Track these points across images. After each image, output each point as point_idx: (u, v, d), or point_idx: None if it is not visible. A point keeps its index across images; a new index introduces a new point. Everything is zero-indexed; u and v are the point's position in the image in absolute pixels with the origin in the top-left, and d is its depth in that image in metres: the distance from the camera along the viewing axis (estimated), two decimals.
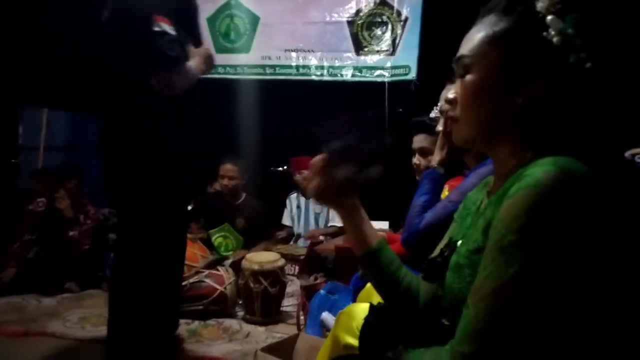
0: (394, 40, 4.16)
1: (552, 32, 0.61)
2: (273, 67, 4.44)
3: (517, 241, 0.56)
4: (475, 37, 0.69)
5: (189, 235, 3.35)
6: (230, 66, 4.53)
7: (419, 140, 1.67)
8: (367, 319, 0.88)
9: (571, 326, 0.57)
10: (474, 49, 0.69)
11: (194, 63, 1.76)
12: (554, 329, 0.57)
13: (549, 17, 0.61)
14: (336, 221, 3.69)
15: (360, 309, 1.04)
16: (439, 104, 1.55)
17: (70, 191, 3.27)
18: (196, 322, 2.50)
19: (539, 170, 0.57)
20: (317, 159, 0.85)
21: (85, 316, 2.63)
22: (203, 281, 2.62)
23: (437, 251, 0.84)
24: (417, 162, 1.68)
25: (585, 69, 0.61)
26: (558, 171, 0.56)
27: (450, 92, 0.74)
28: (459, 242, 0.76)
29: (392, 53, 4.16)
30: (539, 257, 0.55)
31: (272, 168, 4.43)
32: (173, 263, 1.91)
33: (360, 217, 0.90)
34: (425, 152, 1.64)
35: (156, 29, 1.54)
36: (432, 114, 1.57)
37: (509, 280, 0.56)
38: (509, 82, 0.66)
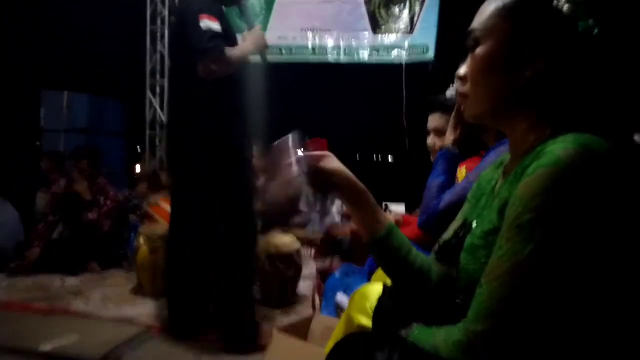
0: (412, 19, 4.07)
1: (562, 1, 0.60)
2: (289, 48, 4.40)
3: (534, 220, 0.55)
4: (486, 10, 0.69)
5: None
6: None
7: (434, 120, 1.62)
8: (381, 299, 0.87)
9: (587, 306, 0.56)
10: (484, 22, 0.68)
11: (240, 46, 2.03)
12: (569, 309, 0.55)
13: None
14: None
15: (374, 289, 1.04)
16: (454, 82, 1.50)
17: (82, 172, 3.33)
18: None
19: (559, 147, 0.56)
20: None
21: (107, 295, 2.70)
22: None
23: (450, 232, 0.82)
24: (432, 142, 1.64)
25: (593, 36, 0.60)
26: (578, 148, 0.54)
27: (461, 68, 0.73)
28: (474, 223, 0.74)
29: (410, 31, 4.08)
30: (556, 236, 0.54)
31: None
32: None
33: (365, 204, 0.87)
34: (440, 132, 1.59)
35: (201, 25, 1.82)
36: (448, 93, 1.53)
37: (525, 259, 0.55)
38: (517, 55, 0.65)
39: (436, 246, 0.85)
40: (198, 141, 1.96)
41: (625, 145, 0.58)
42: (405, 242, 0.88)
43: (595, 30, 0.60)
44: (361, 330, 1.03)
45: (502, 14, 0.66)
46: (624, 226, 0.55)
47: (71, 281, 2.96)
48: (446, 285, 0.80)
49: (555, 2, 0.61)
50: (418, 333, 0.70)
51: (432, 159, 1.61)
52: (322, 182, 0.87)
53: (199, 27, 1.82)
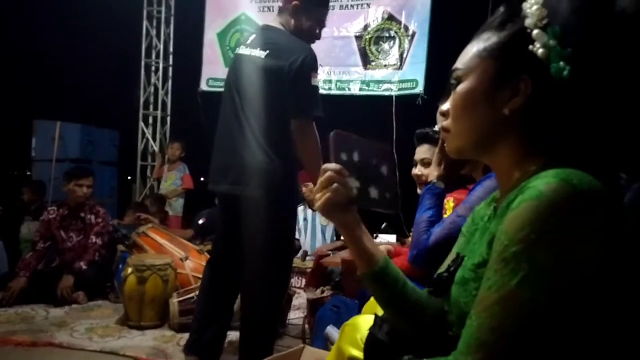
0: (401, 55, 4.20)
1: (537, 45, 0.64)
2: None
3: (519, 252, 0.56)
4: (469, 51, 0.73)
5: (196, 248, 3.39)
6: None
7: (423, 151, 1.68)
8: (372, 330, 0.87)
9: (575, 335, 0.57)
10: (466, 62, 0.72)
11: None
12: (558, 339, 0.56)
13: (535, 32, 0.64)
14: None
15: (365, 321, 1.04)
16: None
17: (89, 188, 3.34)
18: None
19: (542, 182, 0.58)
20: (330, 169, 0.80)
21: (92, 327, 2.64)
22: None
23: (444, 266, 0.83)
24: (419, 172, 1.69)
25: (564, 78, 0.63)
26: (560, 183, 0.57)
27: (444, 105, 0.77)
28: (466, 257, 0.76)
29: (400, 67, 4.20)
30: (542, 268, 0.55)
31: None
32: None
33: (362, 233, 0.87)
34: (428, 164, 1.66)
35: (313, 84, 1.89)
36: (437, 127, 1.58)
37: (512, 290, 0.56)
38: (496, 93, 0.68)
39: (431, 279, 0.86)
40: (268, 179, 1.87)
41: (607, 178, 0.61)
42: (400, 275, 0.88)
43: (565, 73, 0.63)
44: None
45: (484, 55, 0.70)
46: (607, 256, 0.56)
47: (56, 312, 2.89)
48: (440, 318, 0.81)
49: (531, 46, 0.65)
50: None
51: (419, 189, 1.65)
52: (336, 209, 0.83)
53: (312, 85, 1.86)
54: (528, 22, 0.65)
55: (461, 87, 0.72)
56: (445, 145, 0.78)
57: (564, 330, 0.56)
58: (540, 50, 0.64)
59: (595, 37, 0.62)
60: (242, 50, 1.99)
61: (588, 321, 0.57)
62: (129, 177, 6.42)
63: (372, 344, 0.86)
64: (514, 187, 0.65)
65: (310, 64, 1.87)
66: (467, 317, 0.61)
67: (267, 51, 1.88)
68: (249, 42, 1.99)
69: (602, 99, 0.63)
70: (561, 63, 0.63)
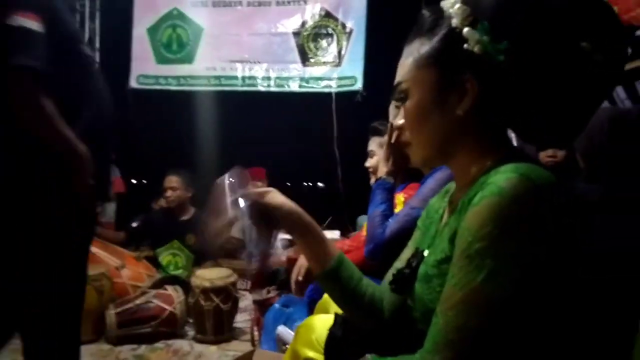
0: (339, 52, 4.23)
1: (471, 43, 0.64)
2: (218, 77, 4.38)
3: (483, 248, 0.56)
4: (405, 63, 0.72)
5: (133, 254, 3.21)
6: (173, 77, 4.43)
7: (370, 144, 1.75)
8: (332, 329, 0.85)
9: (541, 331, 0.58)
10: (406, 75, 0.72)
11: None
12: (525, 335, 0.57)
13: (465, 30, 0.64)
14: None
15: (319, 321, 1.02)
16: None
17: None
18: (143, 347, 2.36)
19: (502, 177, 0.58)
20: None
21: (19, 348, 2.41)
22: (151, 302, 2.48)
23: (403, 261, 0.83)
24: (367, 164, 1.77)
25: (505, 70, 0.63)
26: (520, 178, 0.57)
27: (398, 119, 0.76)
28: (426, 252, 0.76)
29: (338, 64, 4.24)
30: (506, 263, 0.56)
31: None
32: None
33: (313, 236, 0.87)
34: (373, 156, 1.74)
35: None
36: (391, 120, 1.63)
37: (478, 287, 0.56)
38: (445, 98, 0.68)
39: (389, 275, 0.85)
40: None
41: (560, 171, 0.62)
42: (356, 272, 0.88)
43: (505, 65, 0.62)
44: None
45: (422, 64, 0.69)
46: (568, 250, 0.58)
47: None
48: (401, 314, 0.81)
49: (466, 45, 0.64)
50: None
51: (372, 180, 1.71)
52: (266, 219, 0.84)
53: (14, 26, 1.24)
54: (454, 22, 0.65)
55: (410, 102, 0.71)
56: (410, 158, 0.77)
57: (530, 325, 0.57)
58: (477, 47, 0.63)
59: (527, 25, 0.61)
60: None
61: (553, 313, 0.58)
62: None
63: (332, 343, 0.85)
64: (472, 182, 0.66)
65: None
66: (433, 314, 0.61)
67: None
68: None
69: (543, 82, 0.63)
70: (500, 56, 0.62)
